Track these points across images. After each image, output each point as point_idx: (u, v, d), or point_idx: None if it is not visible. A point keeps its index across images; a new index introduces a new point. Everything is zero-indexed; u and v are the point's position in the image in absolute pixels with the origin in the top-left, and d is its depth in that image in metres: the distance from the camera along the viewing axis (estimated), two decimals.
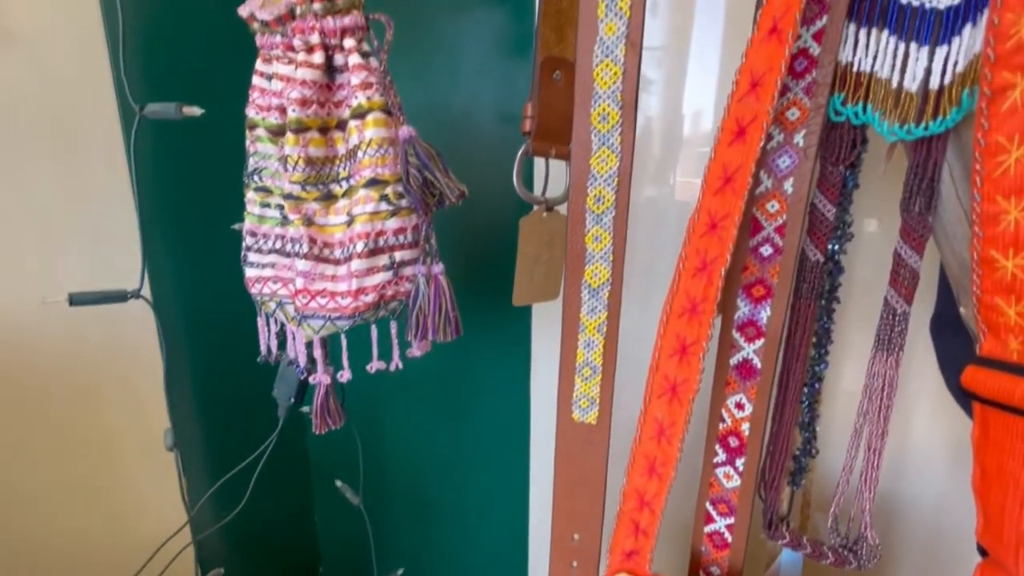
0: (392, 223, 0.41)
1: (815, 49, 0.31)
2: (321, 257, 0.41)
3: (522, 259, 0.42)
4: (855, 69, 0.31)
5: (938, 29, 0.29)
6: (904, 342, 0.35)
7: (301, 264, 0.40)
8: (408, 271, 0.43)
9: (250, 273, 0.44)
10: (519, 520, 0.76)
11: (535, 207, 0.42)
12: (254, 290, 0.44)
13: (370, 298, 0.41)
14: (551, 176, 0.43)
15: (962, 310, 0.33)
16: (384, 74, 0.40)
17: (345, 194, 0.42)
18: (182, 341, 0.66)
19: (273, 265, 0.44)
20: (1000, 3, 0.25)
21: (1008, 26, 0.25)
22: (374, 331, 0.44)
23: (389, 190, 0.41)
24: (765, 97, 0.28)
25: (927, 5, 0.29)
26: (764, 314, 0.35)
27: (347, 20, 0.38)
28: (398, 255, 0.42)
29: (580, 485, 0.40)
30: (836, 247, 0.36)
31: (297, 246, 0.41)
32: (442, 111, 0.66)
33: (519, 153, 0.40)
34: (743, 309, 0.36)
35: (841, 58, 0.32)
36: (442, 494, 0.82)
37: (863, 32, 0.31)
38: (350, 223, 0.41)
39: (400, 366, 0.45)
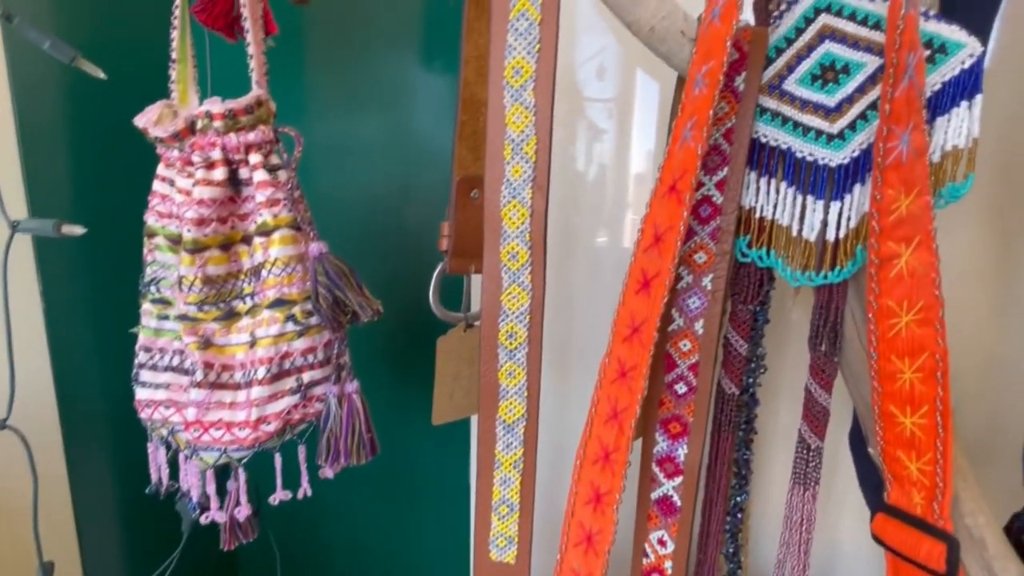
0: (300, 343, 0.38)
1: (718, 198, 0.31)
2: (218, 383, 0.38)
3: (440, 379, 0.40)
4: (758, 215, 0.32)
5: (831, 185, 0.30)
6: (819, 476, 0.35)
7: (194, 393, 0.37)
8: (319, 391, 0.40)
9: (141, 395, 0.40)
10: None
11: (455, 325, 0.40)
12: (144, 414, 0.40)
13: (272, 427, 0.38)
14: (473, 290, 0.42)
15: (871, 450, 0.33)
16: (293, 188, 0.38)
17: (249, 311, 0.39)
18: (59, 470, 0.59)
19: (168, 386, 0.40)
20: (881, 181, 0.26)
21: (890, 202, 0.26)
22: (278, 458, 0.41)
23: (296, 309, 0.38)
24: (667, 254, 0.28)
25: (820, 161, 0.30)
26: (681, 451, 0.34)
27: (252, 136, 0.37)
28: (307, 376, 0.39)
29: None
30: (750, 380, 0.35)
31: (191, 372, 0.38)
32: (363, 221, 0.64)
33: (436, 272, 0.39)
34: (661, 444, 0.35)
35: (745, 203, 0.32)
36: None
37: (764, 180, 0.32)
38: (252, 345, 0.38)
39: (309, 493, 0.42)
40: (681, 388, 0.33)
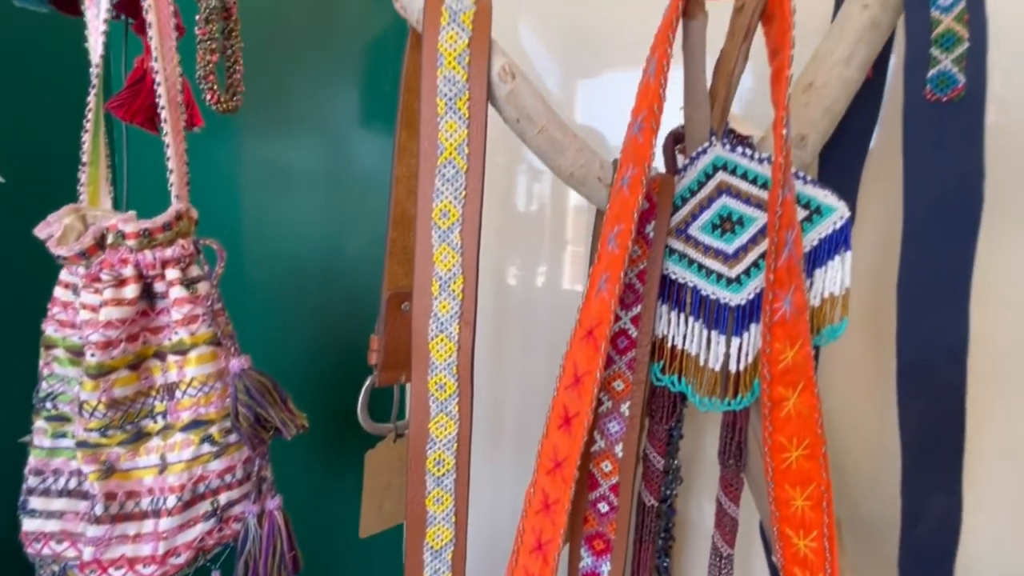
0: (216, 464, 0.37)
1: (634, 331, 0.33)
2: (121, 515, 0.35)
3: (369, 492, 0.39)
4: (670, 344, 0.34)
5: (732, 322, 0.33)
6: None
7: (92, 530, 0.34)
8: (236, 510, 0.38)
9: (29, 526, 0.37)
10: None
11: (384, 438, 0.40)
12: (31, 549, 0.37)
13: (183, 558, 0.35)
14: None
15: (773, 558, 0.35)
16: (214, 301, 0.37)
17: (160, 432, 0.37)
18: None
19: (61, 515, 0.37)
20: (770, 336, 0.29)
21: (778, 353, 0.29)
22: None
23: (214, 429, 0.36)
24: (585, 396, 0.29)
25: (721, 300, 0.33)
26: (605, 567, 0.35)
27: (169, 252, 0.35)
28: (223, 497, 0.37)
29: None
30: (668, 491, 0.38)
31: (91, 499, 0.35)
32: (291, 324, 0.62)
33: (365, 386, 0.39)
34: (586, 559, 0.36)
35: (659, 332, 0.35)
36: None
37: (674, 313, 0.34)
38: (163, 470, 0.36)
39: None
40: (603, 507, 0.35)
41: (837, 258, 0.32)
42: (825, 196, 0.32)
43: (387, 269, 0.38)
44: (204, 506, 0.36)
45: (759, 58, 0.32)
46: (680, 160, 0.35)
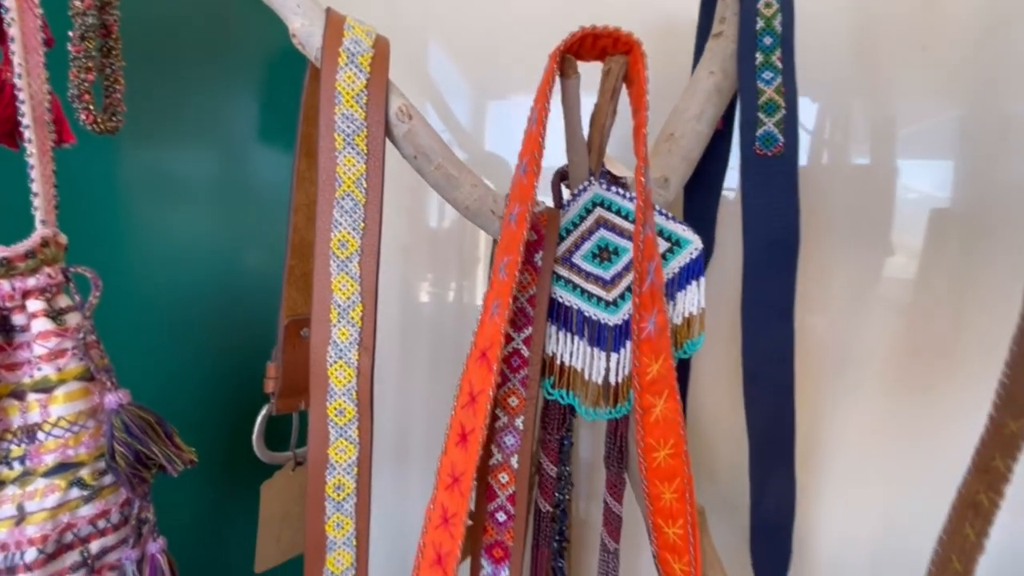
0: (87, 510, 0.34)
1: (525, 351, 0.36)
2: None
3: (265, 523, 0.38)
4: (558, 361, 0.38)
5: (610, 340, 0.37)
6: (618, 573, 0.41)
7: None
8: (111, 558, 0.35)
9: None
10: None
11: (282, 466, 0.39)
12: None
13: None
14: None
15: (652, 550, 0.40)
16: (87, 333, 0.34)
17: (17, 480, 0.33)
18: None
19: None
20: (638, 351, 0.33)
21: (645, 366, 0.33)
22: None
23: (85, 472, 0.34)
24: (480, 413, 0.32)
25: (601, 321, 0.37)
26: (504, 574, 0.37)
27: (32, 281, 0.32)
28: (95, 545, 0.34)
29: None
30: (561, 496, 0.41)
31: None
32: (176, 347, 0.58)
33: (261, 415, 0.38)
34: (486, 568, 0.38)
35: (548, 351, 0.38)
36: None
37: (562, 333, 0.38)
38: (20, 521, 0.32)
39: None
40: (501, 516, 0.37)
41: (694, 283, 0.37)
42: (683, 231, 0.37)
43: (285, 295, 0.38)
44: (72, 556, 0.33)
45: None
46: (565, 195, 0.39)
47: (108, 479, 0.35)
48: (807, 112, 0.50)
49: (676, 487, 0.34)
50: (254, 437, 0.37)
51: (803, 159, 0.50)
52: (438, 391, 0.62)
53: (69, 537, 0.33)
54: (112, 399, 0.34)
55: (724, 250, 0.47)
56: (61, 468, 0.33)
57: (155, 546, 0.37)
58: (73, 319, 0.34)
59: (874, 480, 0.52)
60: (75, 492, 0.33)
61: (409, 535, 0.63)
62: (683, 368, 0.49)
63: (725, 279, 0.48)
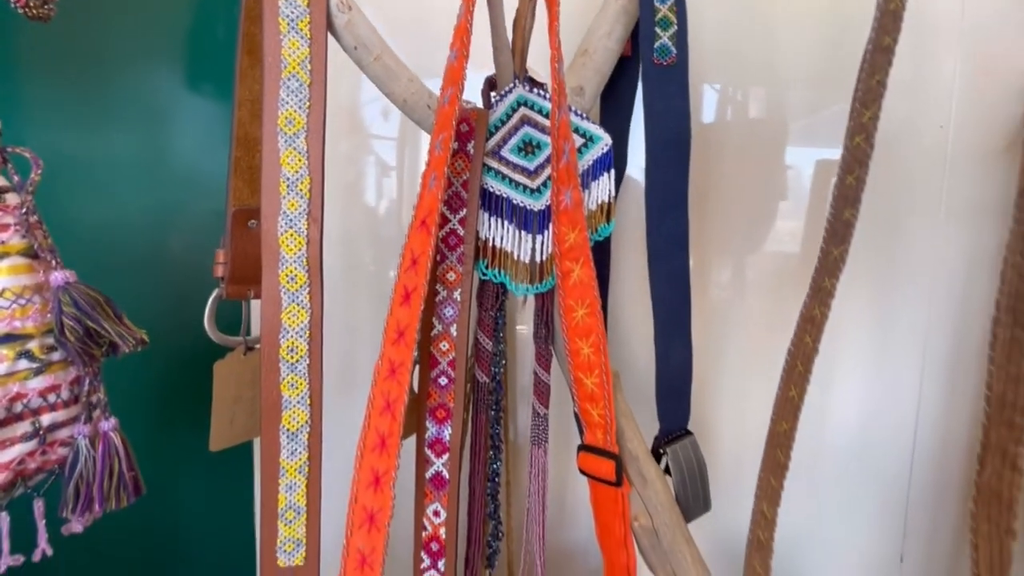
0: (37, 382, 0.35)
1: (461, 231, 0.41)
2: None
3: (219, 403, 0.41)
4: (491, 244, 0.43)
5: (536, 224, 0.43)
6: (548, 436, 0.47)
7: None
8: (63, 434, 0.37)
9: None
10: None
11: (234, 349, 0.42)
12: None
13: (0, 479, 0.33)
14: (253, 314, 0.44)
15: (574, 408, 0.46)
16: (29, 212, 0.35)
17: None
18: None
19: None
20: (558, 222, 0.39)
21: (563, 235, 0.39)
22: (4, 518, 0.35)
23: (33, 345, 0.35)
24: (421, 273, 0.36)
25: (527, 207, 0.43)
26: (447, 432, 0.42)
27: None
28: (46, 418, 0.35)
29: None
30: (496, 370, 0.46)
31: None
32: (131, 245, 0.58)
33: (211, 297, 0.40)
34: (431, 429, 0.42)
35: (482, 235, 0.43)
36: None
37: (494, 219, 0.43)
38: None
39: (49, 553, 0.37)
40: (443, 381, 0.42)
41: (605, 174, 0.43)
42: (596, 129, 0.43)
43: (232, 186, 0.40)
44: (23, 426, 0.34)
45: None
46: (493, 99, 0.44)
47: (57, 355, 0.36)
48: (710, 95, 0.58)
49: (592, 342, 0.40)
50: (205, 318, 0.39)
51: (711, 116, 0.58)
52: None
53: (19, 407, 0.34)
54: (58, 276, 0.35)
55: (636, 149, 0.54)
56: (8, 339, 0.34)
57: (108, 424, 0.38)
58: (12, 198, 0.35)
59: (760, 376, 0.61)
60: (23, 363, 0.34)
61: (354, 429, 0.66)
62: (603, 269, 0.55)
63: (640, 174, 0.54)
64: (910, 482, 0.60)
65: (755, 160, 0.58)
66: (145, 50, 0.60)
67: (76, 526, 0.38)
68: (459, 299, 0.41)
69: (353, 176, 0.63)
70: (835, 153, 0.41)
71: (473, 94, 0.47)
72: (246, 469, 0.62)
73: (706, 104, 0.59)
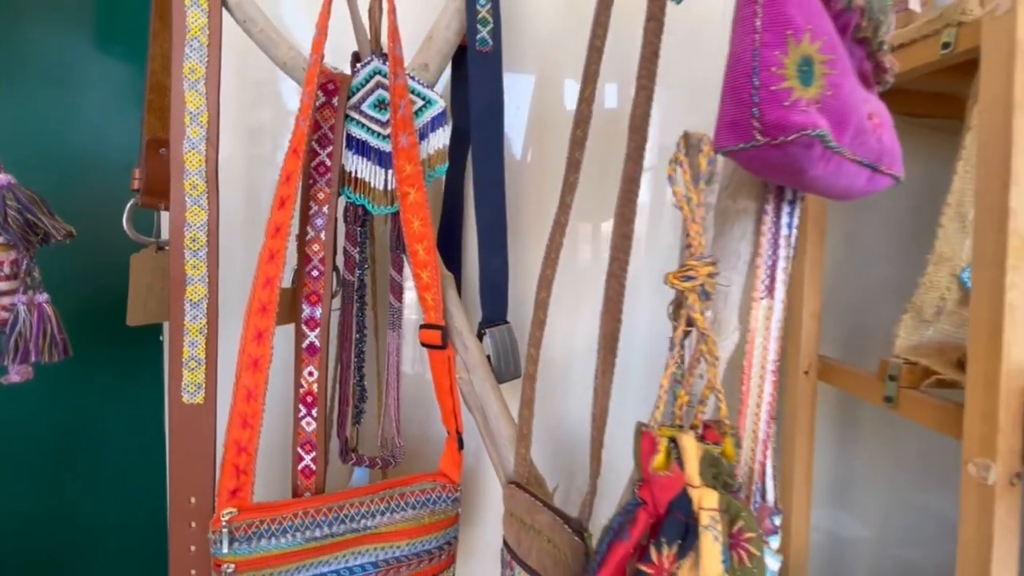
0: None
1: (328, 162, 0.56)
2: None
3: (135, 288, 0.53)
4: (355, 175, 0.58)
5: (387, 161, 0.59)
6: (401, 323, 0.63)
7: None
8: (5, 300, 0.48)
9: None
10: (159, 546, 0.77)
11: (148, 246, 0.54)
12: None
13: None
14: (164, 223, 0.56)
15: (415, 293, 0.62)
16: None
17: None
18: None
19: None
20: (397, 157, 0.55)
21: (402, 168, 0.55)
22: None
23: None
24: (292, 185, 0.51)
25: (381, 148, 0.58)
26: (318, 312, 0.57)
27: None
28: None
29: (193, 455, 0.52)
30: (361, 272, 0.62)
31: None
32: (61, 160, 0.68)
33: (129, 204, 0.52)
34: (306, 310, 0.57)
35: (348, 168, 0.58)
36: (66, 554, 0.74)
37: (356, 157, 0.58)
38: None
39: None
40: (315, 273, 0.57)
41: (440, 128, 0.60)
42: (432, 94, 0.60)
43: (145, 121, 0.52)
44: None
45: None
46: (357, 68, 0.59)
47: (2, 239, 0.47)
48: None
49: (426, 246, 0.57)
50: (124, 220, 0.51)
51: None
52: None
53: None
54: (3, 178, 0.47)
55: None
56: None
57: (42, 297, 0.50)
58: None
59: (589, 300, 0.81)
60: None
61: None
62: (456, 215, 0.72)
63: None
64: None
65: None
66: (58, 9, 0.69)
67: (14, 376, 0.50)
68: (327, 212, 0.56)
69: (256, 123, 0.76)
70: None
71: (344, 64, 0.62)
72: (156, 359, 0.73)
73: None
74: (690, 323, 0.35)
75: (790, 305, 0.72)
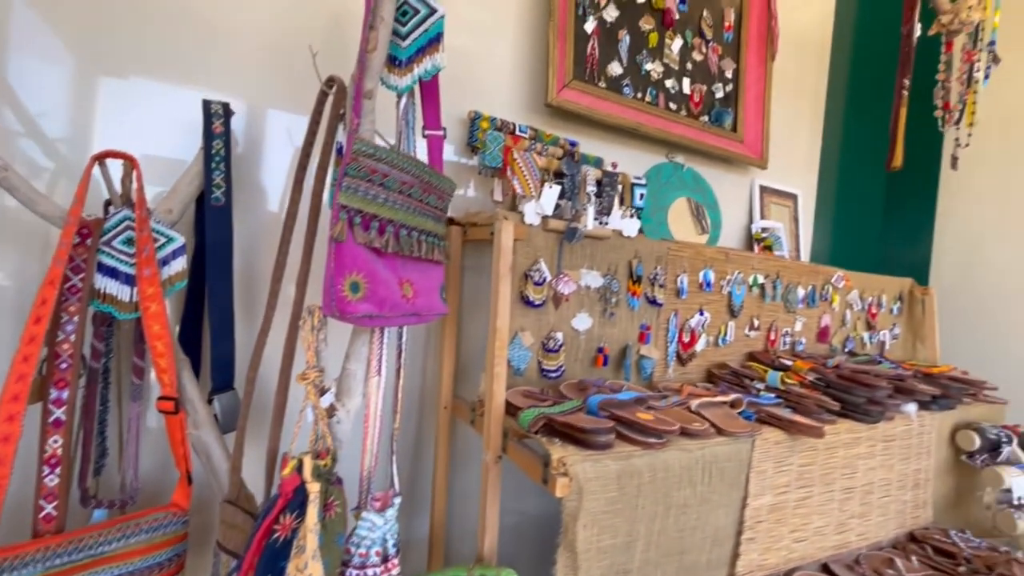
0: None
1: (80, 285, 0.77)
2: None
3: None
4: (103, 291, 0.80)
5: (133, 280, 0.82)
6: (141, 396, 0.86)
7: None
8: None
9: None
10: None
11: None
12: None
13: None
14: None
15: (152, 377, 0.86)
16: None
17: None
18: None
19: None
20: (140, 282, 0.79)
21: (145, 290, 0.80)
22: None
23: None
24: (47, 309, 0.71)
25: (128, 273, 0.81)
26: (65, 394, 0.76)
27: None
28: None
29: None
30: (105, 359, 0.82)
31: None
32: None
33: None
34: (54, 393, 0.76)
35: (98, 286, 0.79)
36: None
37: (106, 279, 0.80)
38: None
39: None
40: (64, 366, 0.76)
41: (178, 259, 0.85)
42: (172, 233, 0.85)
43: None
44: None
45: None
46: (110, 213, 0.81)
47: None
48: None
49: (164, 341, 0.82)
50: None
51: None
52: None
53: None
54: None
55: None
56: None
57: None
58: None
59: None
60: None
61: None
62: (198, 301, 0.96)
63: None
64: None
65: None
66: None
67: None
68: (76, 320, 0.77)
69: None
70: None
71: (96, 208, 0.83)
72: None
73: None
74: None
75: (439, 362, 1.15)
